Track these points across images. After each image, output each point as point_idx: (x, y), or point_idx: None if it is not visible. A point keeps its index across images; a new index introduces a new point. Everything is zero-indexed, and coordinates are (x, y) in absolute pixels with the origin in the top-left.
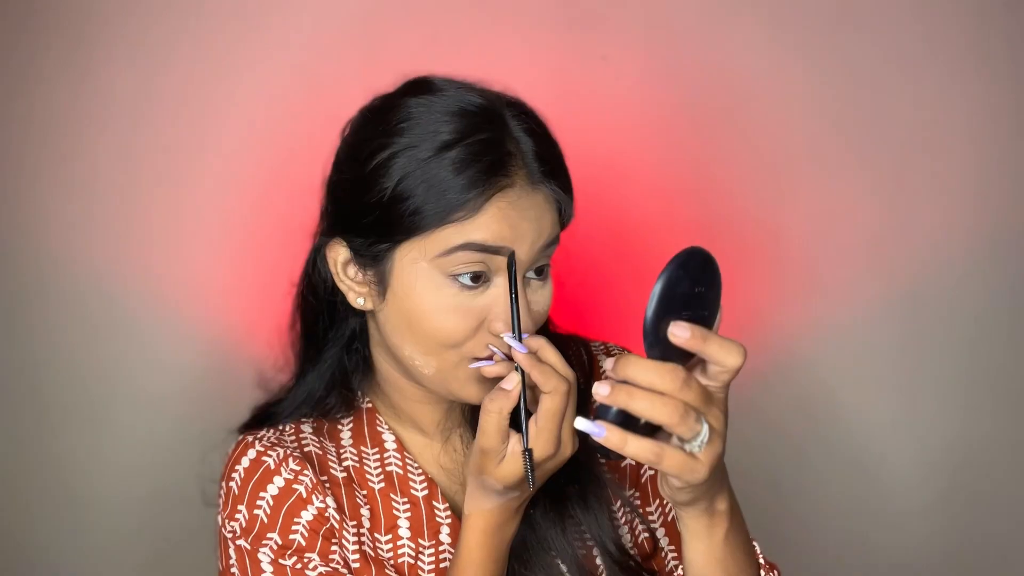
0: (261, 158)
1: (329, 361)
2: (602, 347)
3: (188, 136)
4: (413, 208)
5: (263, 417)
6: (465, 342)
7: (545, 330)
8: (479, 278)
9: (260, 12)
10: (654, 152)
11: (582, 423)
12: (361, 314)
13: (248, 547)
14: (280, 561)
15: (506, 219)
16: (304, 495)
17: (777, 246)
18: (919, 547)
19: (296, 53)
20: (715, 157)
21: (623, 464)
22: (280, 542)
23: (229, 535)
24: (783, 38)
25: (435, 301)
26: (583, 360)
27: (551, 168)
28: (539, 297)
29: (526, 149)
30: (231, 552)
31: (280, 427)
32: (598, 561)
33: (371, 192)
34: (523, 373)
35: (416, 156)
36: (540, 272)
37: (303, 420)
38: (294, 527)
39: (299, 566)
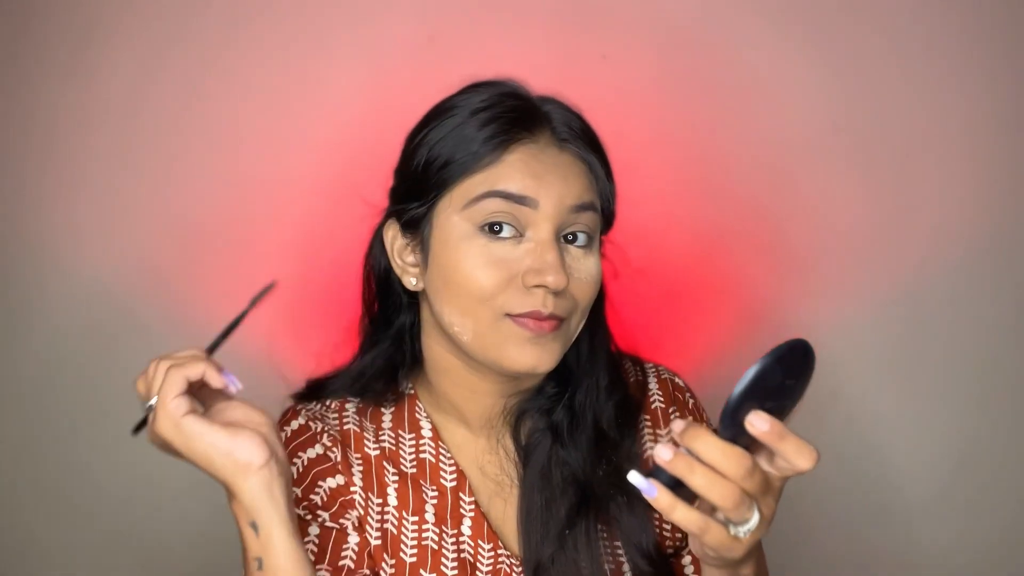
0: (274, 160)
1: (382, 348)
2: (653, 368)
3: (191, 138)
4: (443, 162)
5: (317, 388)
6: (497, 295)
7: (608, 351)
8: (508, 229)
9: (261, 13)
10: (654, 151)
11: (636, 478)
12: (416, 307)
13: None
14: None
15: (529, 169)
16: (334, 464)
17: (778, 245)
18: (919, 547)
19: (295, 53)
20: (715, 156)
21: None
22: (299, 495)
23: None
24: (783, 37)
25: (466, 251)
26: (639, 379)
27: (578, 131)
28: (581, 266)
29: (554, 116)
30: None
31: (326, 403)
32: (625, 569)
33: (412, 164)
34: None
35: (450, 124)
36: (576, 239)
37: (349, 399)
38: (317, 488)
39: (308, 517)
